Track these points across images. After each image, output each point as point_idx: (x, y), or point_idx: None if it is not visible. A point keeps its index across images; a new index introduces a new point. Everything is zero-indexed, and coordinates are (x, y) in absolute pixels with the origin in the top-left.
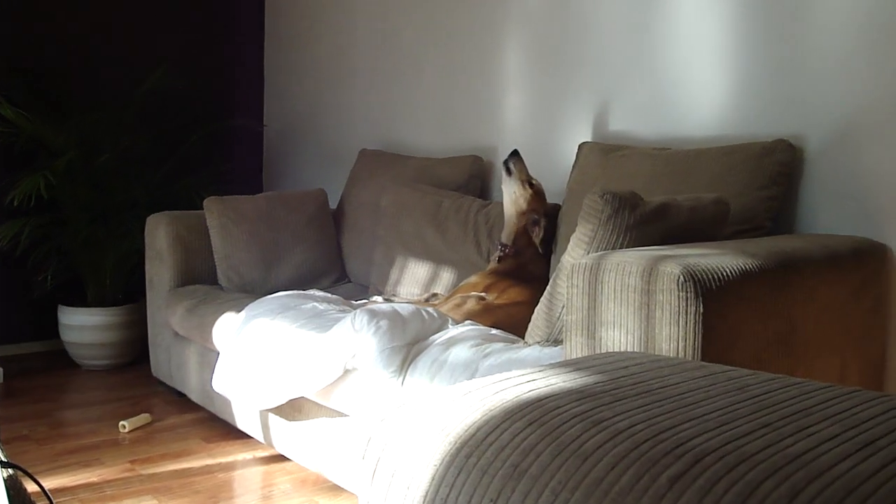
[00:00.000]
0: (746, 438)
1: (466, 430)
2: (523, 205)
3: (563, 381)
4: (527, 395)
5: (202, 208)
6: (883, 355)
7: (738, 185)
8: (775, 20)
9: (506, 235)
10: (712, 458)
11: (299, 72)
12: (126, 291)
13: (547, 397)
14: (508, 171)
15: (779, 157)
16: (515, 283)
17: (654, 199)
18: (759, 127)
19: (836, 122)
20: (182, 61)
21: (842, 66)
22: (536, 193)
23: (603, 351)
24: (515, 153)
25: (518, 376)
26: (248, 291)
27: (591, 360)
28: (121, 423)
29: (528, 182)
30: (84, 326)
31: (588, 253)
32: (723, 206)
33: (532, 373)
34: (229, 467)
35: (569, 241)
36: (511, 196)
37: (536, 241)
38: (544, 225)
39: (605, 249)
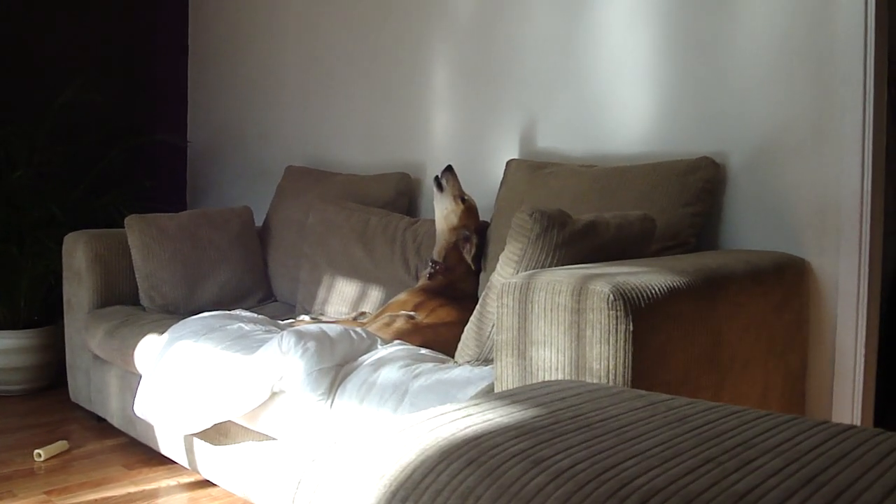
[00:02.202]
0: (692, 476)
1: (402, 472)
2: (454, 220)
3: (501, 416)
4: (463, 432)
5: (123, 226)
6: (804, 367)
7: (664, 202)
8: (698, 42)
9: (436, 252)
10: (658, 500)
11: (224, 86)
12: (42, 313)
13: (484, 434)
14: (440, 187)
15: (703, 174)
16: (445, 302)
17: (582, 216)
18: (683, 144)
19: (756, 139)
20: (101, 74)
21: (761, 87)
22: (468, 209)
23: (533, 370)
24: (449, 168)
25: (453, 411)
26: (172, 312)
27: (527, 392)
28: (36, 451)
29: (461, 197)
30: None
31: (517, 272)
32: (649, 223)
33: (467, 407)
34: (152, 495)
35: (498, 259)
36: (443, 212)
37: (468, 257)
38: (476, 241)
39: (534, 268)
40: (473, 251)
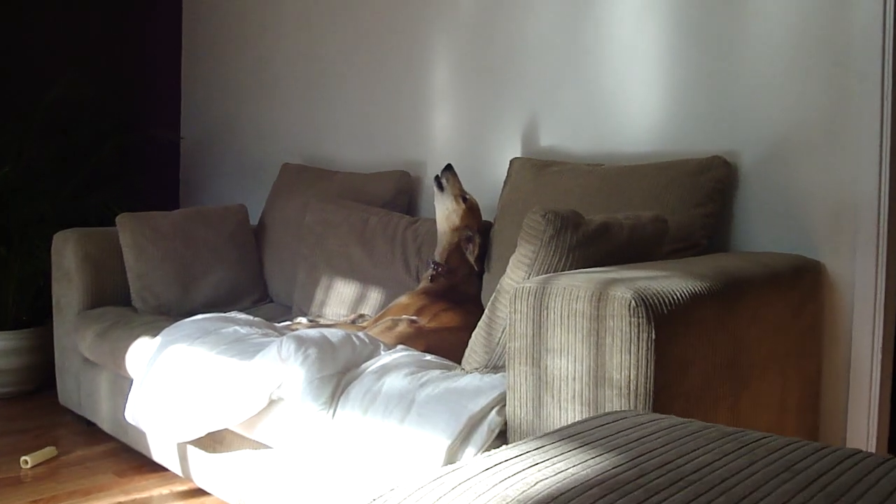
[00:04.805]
0: None
1: None
2: (456, 220)
3: (574, 465)
4: (534, 488)
5: (114, 225)
6: (819, 371)
7: (675, 202)
8: (709, 37)
9: (438, 253)
10: None
11: (219, 81)
12: (31, 314)
13: (563, 493)
14: (441, 187)
15: (714, 173)
16: (448, 306)
17: (595, 217)
18: (693, 143)
19: (769, 138)
20: (93, 68)
21: (774, 84)
22: (470, 209)
23: (549, 380)
24: (449, 167)
25: (515, 456)
26: (164, 313)
27: (591, 430)
28: (23, 458)
29: (462, 197)
30: None
31: (529, 275)
32: (661, 224)
33: (530, 452)
34: None
35: (503, 260)
36: (444, 212)
37: (471, 258)
38: (479, 241)
39: (546, 271)
40: (476, 252)
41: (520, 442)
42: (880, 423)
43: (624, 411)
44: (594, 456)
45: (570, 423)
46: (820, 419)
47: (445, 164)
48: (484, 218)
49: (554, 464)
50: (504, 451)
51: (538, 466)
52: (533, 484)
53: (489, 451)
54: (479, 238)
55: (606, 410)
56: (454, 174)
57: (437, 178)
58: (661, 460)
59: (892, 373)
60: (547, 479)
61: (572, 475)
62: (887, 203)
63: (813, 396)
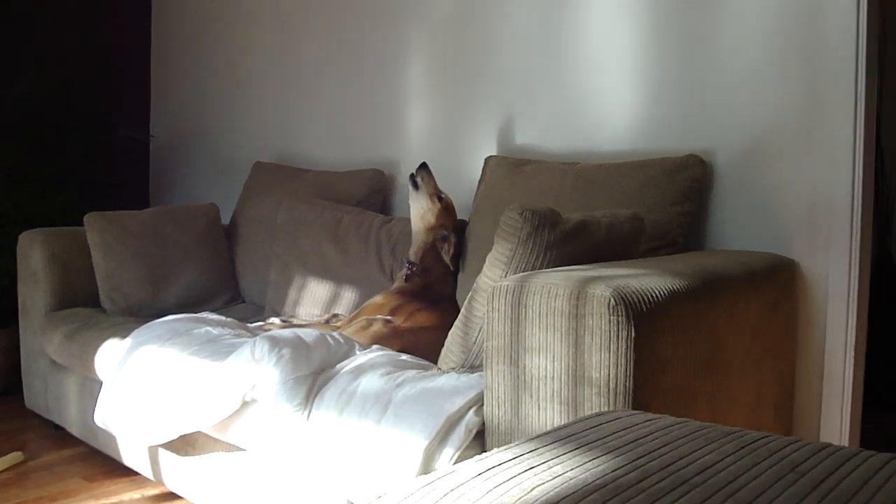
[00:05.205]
0: None
1: None
2: (431, 220)
3: (571, 469)
4: (531, 494)
5: (82, 224)
6: (793, 368)
7: (651, 201)
8: (685, 36)
9: (413, 252)
10: None
11: (189, 78)
12: None
13: (561, 500)
14: (416, 185)
15: (690, 172)
16: (423, 305)
17: (572, 215)
18: (669, 141)
19: (744, 137)
20: (59, 63)
21: (750, 83)
22: (445, 208)
23: (528, 379)
24: (424, 166)
25: (509, 459)
26: (134, 314)
27: (586, 431)
28: None
29: (437, 196)
30: None
31: (506, 273)
32: (639, 222)
33: (524, 455)
34: None
35: (478, 259)
36: (419, 211)
37: (446, 258)
38: (454, 241)
39: (523, 270)
40: (452, 251)
41: (512, 444)
42: (853, 419)
43: (617, 411)
44: (592, 458)
45: (549, 422)
46: (794, 416)
47: (420, 162)
48: (459, 216)
49: (550, 467)
50: (497, 455)
51: (534, 470)
52: (529, 490)
53: (467, 451)
54: (455, 237)
55: (586, 410)
56: (429, 173)
57: (412, 177)
58: (662, 462)
59: (864, 369)
60: (544, 483)
61: (570, 479)
62: (860, 202)
63: (788, 393)
